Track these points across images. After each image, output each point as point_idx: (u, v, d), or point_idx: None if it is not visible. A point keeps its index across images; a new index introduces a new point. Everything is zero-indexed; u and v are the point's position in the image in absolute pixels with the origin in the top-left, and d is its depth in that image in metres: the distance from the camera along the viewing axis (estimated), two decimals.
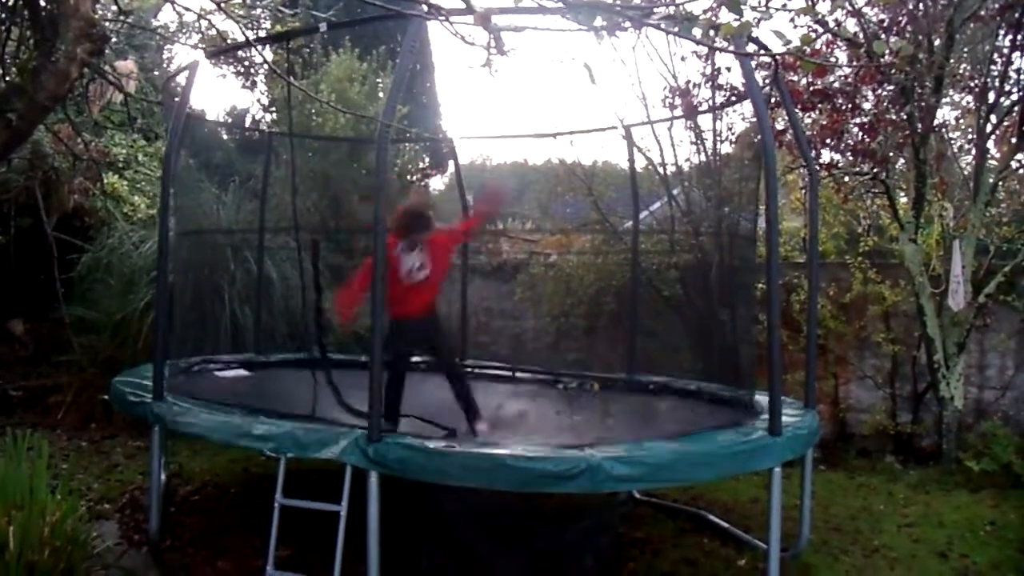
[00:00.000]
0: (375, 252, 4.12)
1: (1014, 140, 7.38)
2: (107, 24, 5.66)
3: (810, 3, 4.53)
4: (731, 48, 4.25)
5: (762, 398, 4.82)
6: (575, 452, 3.91)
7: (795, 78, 7.31)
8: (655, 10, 2.65)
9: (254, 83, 15.14)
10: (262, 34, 10.49)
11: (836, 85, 7.45)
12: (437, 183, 15.57)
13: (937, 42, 7.14)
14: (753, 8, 2.78)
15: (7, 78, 5.53)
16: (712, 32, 3.31)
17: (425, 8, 2.28)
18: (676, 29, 2.45)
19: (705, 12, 2.88)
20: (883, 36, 7.31)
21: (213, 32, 7.07)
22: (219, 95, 39.91)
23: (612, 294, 8.49)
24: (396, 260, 5.02)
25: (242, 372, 6.78)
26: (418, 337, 5.29)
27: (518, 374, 7.02)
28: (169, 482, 5.99)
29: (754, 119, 5.56)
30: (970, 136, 7.84)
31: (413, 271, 5.09)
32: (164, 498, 5.33)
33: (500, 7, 2.37)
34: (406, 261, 5.07)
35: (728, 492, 6.47)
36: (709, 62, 7.68)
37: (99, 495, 6.14)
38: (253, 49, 7.65)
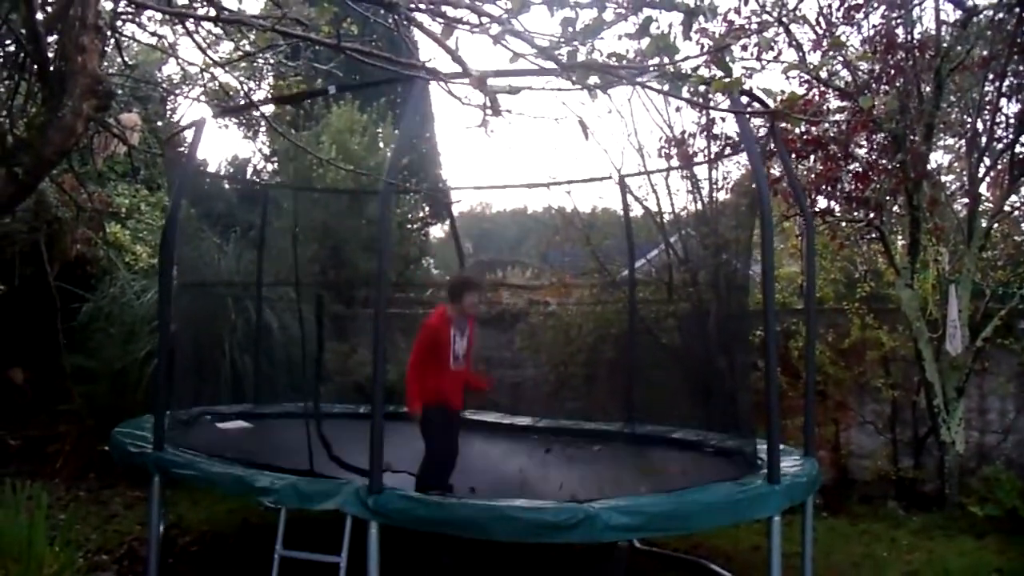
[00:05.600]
0: (377, 304, 4.16)
1: (1006, 183, 7.46)
2: (113, 78, 5.76)
3: (800, 57, 4.66)
4: (726, 105, 4.35)
5: (762, 445, 4.82)
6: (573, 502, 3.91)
7: (789, 126, 7.41)
8: (648, 67, 2.73)
9: (256, 133, 15.36)
10: (264, 85, 10.66)
11: (831, 133, 7.53)
12: (437, 231, 15.71)
13: (927, 90, 7.26)
14: (744, 67, 2.87)
15: (15, 132, 5.61)
16: (703, 87, 3.40)
17: (423, 72, 2.35)
18: (666, 87, 2.53)
19: (696, 69, 2.96)
20: (874, 85, 7.43)
21: (216, 85, 7.20)
22: (221, 144, 40.38)
23: (611, 342, 8.49)
24: (447, 345, 4.94)
25: (242, 424, 6.77)
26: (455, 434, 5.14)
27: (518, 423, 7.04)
28: (168, 533, 5.95)
29: (749, 166, 5.66)
30: (963, 179, 7.90)
31: (460, 358, 5.03)
32: (162, 549, 5.30)
33: (496, 69, 2.44)
34: (457, 346, 4.98)
35: (729, 540, 6.42)
36: (704, 112, 7.79)
37: (97, 546, 6.09)
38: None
